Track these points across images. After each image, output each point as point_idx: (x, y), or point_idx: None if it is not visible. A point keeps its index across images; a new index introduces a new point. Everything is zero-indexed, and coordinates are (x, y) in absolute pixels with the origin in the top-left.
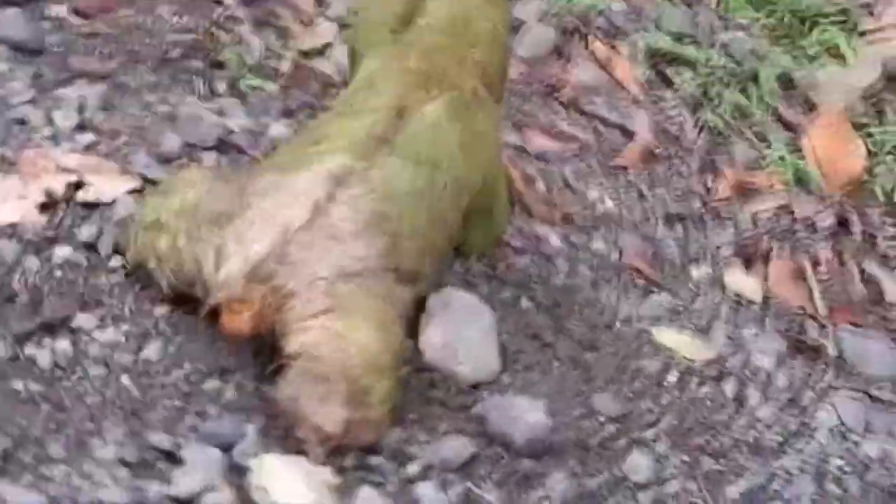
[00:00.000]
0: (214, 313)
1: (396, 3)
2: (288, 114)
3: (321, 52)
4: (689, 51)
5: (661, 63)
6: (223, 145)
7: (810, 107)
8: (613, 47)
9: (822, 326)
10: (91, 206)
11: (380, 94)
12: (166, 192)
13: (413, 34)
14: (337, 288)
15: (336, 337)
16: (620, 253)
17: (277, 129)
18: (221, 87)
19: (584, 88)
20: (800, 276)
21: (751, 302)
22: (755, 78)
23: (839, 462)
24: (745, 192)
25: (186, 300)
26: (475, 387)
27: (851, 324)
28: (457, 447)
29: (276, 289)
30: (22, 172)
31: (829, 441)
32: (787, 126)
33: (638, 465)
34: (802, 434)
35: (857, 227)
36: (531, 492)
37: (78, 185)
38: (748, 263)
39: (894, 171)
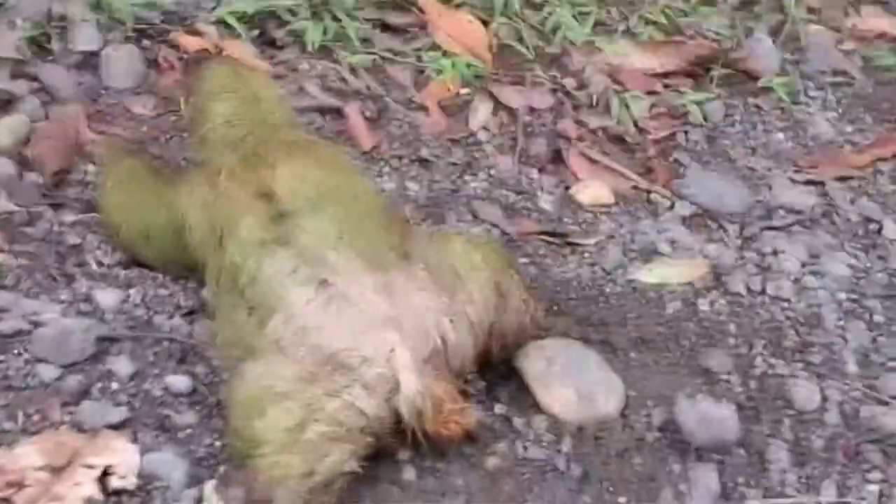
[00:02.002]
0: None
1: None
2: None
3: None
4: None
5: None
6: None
7: None
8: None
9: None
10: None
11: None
12: (262, 400)
13: (212, 149)
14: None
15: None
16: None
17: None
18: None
19: None
20: (593, 161)
21: (605, 206)
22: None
23: (851, 294)
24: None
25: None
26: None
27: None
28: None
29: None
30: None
31: (827, 282)
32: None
33: (803, 395)
34: (817, 286)
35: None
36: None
37: (103, 474)
38: (552, 165)
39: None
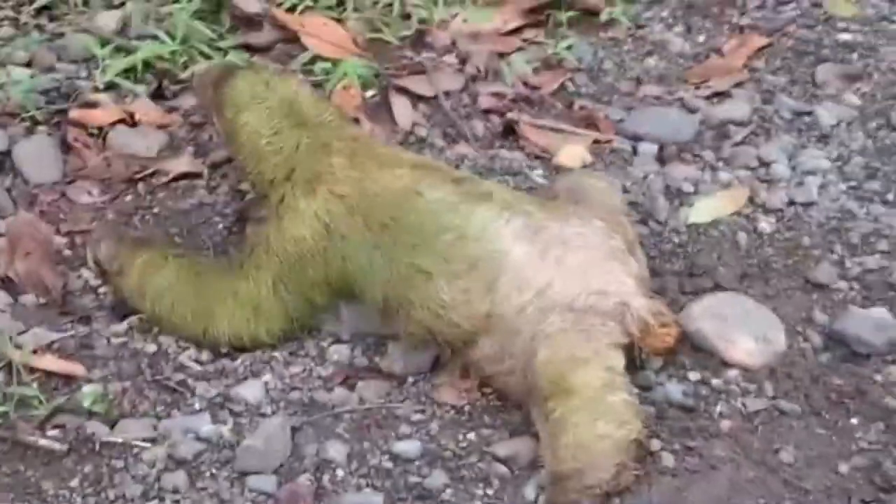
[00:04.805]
0: None
1: None
2: None
3: None
4: None
5: None
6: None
7: None
8: None
9: None
10: None
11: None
12: (567, 367)
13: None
14: None
15: None
16: None
17: None
18: None
19: None
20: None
21: (588, 165)
22: None
23: (850, 181)
24: None
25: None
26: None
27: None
28: None
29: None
30: None
31: (828, 177)
32: None
33: None
34: (822, 182)
35: None
36: None
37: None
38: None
39: None
